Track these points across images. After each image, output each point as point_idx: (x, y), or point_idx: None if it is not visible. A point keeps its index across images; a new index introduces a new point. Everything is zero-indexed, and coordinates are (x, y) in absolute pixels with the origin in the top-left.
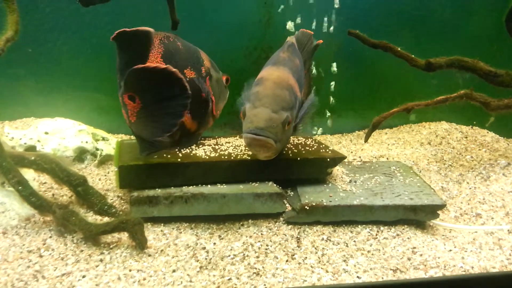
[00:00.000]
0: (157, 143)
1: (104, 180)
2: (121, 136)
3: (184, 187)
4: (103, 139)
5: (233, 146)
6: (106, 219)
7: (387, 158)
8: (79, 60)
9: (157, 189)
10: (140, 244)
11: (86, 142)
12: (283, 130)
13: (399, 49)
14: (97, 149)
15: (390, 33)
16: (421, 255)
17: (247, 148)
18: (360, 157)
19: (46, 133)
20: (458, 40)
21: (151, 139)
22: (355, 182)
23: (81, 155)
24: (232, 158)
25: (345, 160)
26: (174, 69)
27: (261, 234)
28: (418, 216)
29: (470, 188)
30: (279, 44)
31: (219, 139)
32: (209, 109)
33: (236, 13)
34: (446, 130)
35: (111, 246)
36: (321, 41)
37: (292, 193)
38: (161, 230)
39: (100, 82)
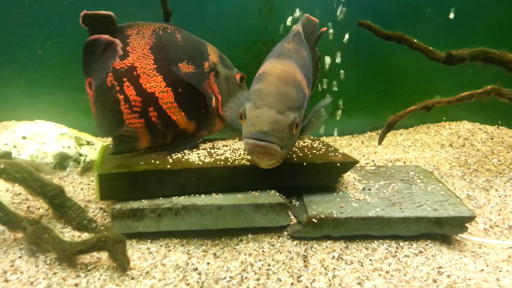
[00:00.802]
0: (129, 140)
1: (86, 190)
2: (110, 140)
3: (174, 197)
4: (88, 143)
5: (230, 150)
6: (85, 235)
7: (404, 162)
8: (64, 57)
9: (143, 200)
10: (121, 265)
11: (68, 147)
12: (289, 134)
13: (415, 40)
14: (80, 155)
15: (405, 23)
16: (448, 276)
17: (246, 152)
18: (373, 161)
19: (24, 137)
20: (483, 30)
21: (110, 134)
22: (369, 190)
23: (62, 161)
24: (229, 163)
25: (357, 164)
26: (112, 39)
27: (262, 251)
28: (444, 230)
29: (499, 196)
30: (281, 37)
31: (216, 142)
32: (212, 108)
33: (234, 4)
34: (469, 131)
35: (88, 268)
36: (324, 28)
37: (298, 203)
38: (147, 248)
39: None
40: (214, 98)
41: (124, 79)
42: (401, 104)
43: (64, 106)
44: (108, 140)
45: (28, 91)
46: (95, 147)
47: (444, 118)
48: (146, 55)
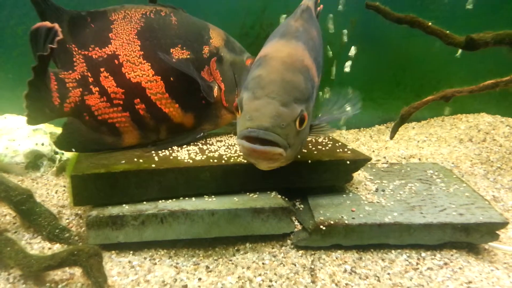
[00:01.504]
0: (98, 138)
1: (61, 193)
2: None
3: (160, 201)
4: None
5: (225, 146)
6: (57, 246)
7: (420, 159)
8: None
9: (124, 205)
10: (97, 283)
11: (42, 144)
12: (296, 131)
13: (430, 23)
14: (56, 153)
15: (418, 6)
16: None
17: None
18: (385, 157)
19: None
20: (507, 12)
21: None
22: (383, 191)
23: (35, 160)
24: (223, 161)
25: None
26: (52, 25)
27: (263, 264)
28: (472, 238)
29: None
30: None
31: (209, 137)
32: (213, 98)
33: None
34: (490, 124)
35: (59, 286)
36: (322, 6)
37: (302, 206)
38: (129, 261)
39: None
40: (216, 87)
41: (101, 69)
42: (412, 94)
43: None
44: None
45: (5, 82)
46: None
47: (446, 111)
48: (132, 41)
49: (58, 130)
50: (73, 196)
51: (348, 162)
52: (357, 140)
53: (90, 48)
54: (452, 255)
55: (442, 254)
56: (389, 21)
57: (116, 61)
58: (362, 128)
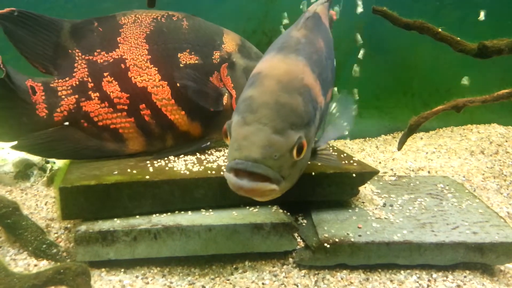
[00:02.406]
0: (99, 145)
1: (51, 205)
2: None
3: (153, 215)
4: None
5: (224, 156)
6: (44, 263)
7: (429, 172)
8: None
9: (115, 219)
10: None
11: None
12: (293, 161)
13: (439, 30)
14: (46, 162)
15: (427, 11)
16: None
17: None
18: (392, 169)
19: None
20: None
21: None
22: (392, 206)
23: (25, 170)
24: (222, 173)
25: None
26: None
27: (263, 284)
28: (486, 259)
29: None
30: (284, 26)
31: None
32: (222, 106)
33: None
34: (502, 135)
35: None
36: (334, 13)
37: (305, 222)
38: (119, 280)
39: None
40: (226, 94)
41: (105, 74)
42: (421, 103)
43: None
44: None
45: None
46: None
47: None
48: (140, 45)
49: None
50: (61, 209)
51: (354, 174)
52: (362, 151)
53: (95, 53)
54: (465, 277)
55: (454, 276)
56: (397, 27)
57: (122, 65)
58: (367, 138)
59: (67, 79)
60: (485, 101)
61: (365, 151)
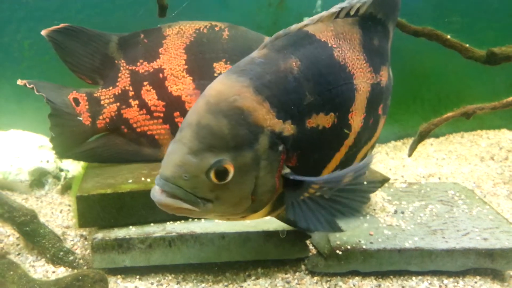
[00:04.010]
0: (137, 149)
1: (66, 213)
2: None
3: (168, 223)
4: None
5: None
6: (62, 270)
7: (439, 178)
8: (47, 57)
9: (130, 227)
10: None
11: (47, 161)
12: (214, 184)
13: (448, 37)
14: (61, 170)
15: (435, 18)
16: None
17: None
18: (403, 176)
19: None
20: None
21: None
22: (403, 213)
23: (40, 178)
24: None
25: None
26: None
27: None
28: (497, 264)
29: None
30: None
31: None
32: None
33: None
34: None
35: None
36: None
37: None
38: (135, 287)
39: (79, 83)
40: None
41: (145, 83)
42: (430, 109)
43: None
44: None
45: (6, 96)
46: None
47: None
48: (179, 55)
49: None
50: (78, 217)
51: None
52: None
53: (138, 63)
54: (476, 282)
55: (465, 281)
56: (405, 34)
57: (161, 75)
58: (377, 145)
59: (110, 88)
60: (494, 107)
61: (376, 158)
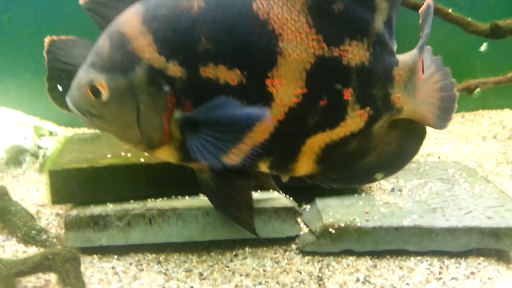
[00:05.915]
0: None
1: (43, 191)
2: (83, 131)
3: (149, 200)
4: (51, 134)
5: None
6: (33, 249)
7: (439, 157)
8: (29, 31)
9: (108, 204)
10: None
11: (25, 138)
12: (94, 102)
13: (449, 11)
14: (39, 148)
15: None
16: None
17: None
18: None
19: None
20: None
21: None
22: (400, 191)
23: (17, 156)
24: None
25: None
26: None
27: (264, 271)
28: (502, 244)
29: None
30: None
31: None
32: None
33: None
34: None
35: None
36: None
37: (309, 207)
38: (112, 267)
39: None
40: None
41: None
42: None
43: (33, 91)
44: (81, 131)
45: None
46: (58, 138)
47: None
48: None
49: (45, 124)
50: (51, 193)
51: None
52: None
53: None
54: (479, 264)
55: (468, 262)
56: (404, 7)
57: None
58: None
59: None
60: (498, 82)
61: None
